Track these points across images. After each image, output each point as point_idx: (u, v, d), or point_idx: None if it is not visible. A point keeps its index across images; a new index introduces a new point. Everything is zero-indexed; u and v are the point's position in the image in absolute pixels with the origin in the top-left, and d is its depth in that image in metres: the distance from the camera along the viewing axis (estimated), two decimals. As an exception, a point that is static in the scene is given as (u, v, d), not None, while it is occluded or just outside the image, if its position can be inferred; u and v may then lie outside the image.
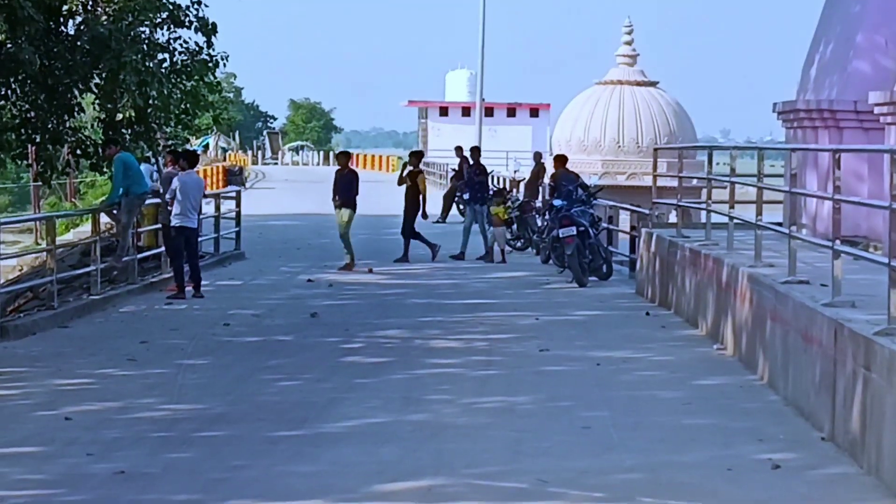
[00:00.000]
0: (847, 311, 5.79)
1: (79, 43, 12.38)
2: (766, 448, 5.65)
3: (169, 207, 11.94)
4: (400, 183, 16.06)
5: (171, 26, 13.30)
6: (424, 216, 15.98)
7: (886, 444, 4.79)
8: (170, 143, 16.48)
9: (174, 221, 11.84)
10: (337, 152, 20.02)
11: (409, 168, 16.04)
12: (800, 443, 5.81)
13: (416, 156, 17.06)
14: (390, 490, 4.89)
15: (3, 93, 12.61)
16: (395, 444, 5.68)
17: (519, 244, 16.87)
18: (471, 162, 17.42)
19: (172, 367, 8.20)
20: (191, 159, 12.93)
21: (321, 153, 61.26)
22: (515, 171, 25.70)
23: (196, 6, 13.38)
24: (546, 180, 17.30)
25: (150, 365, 8.34)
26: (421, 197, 15.48)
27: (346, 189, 14.44)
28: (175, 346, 9.16)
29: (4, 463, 5.28)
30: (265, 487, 4.93)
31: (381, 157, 57.51)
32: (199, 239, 13.41)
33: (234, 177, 21.51)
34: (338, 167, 15.45)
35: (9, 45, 11.21)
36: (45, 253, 12.45)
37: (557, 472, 5.21)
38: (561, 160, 15.56)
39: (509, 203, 16.09)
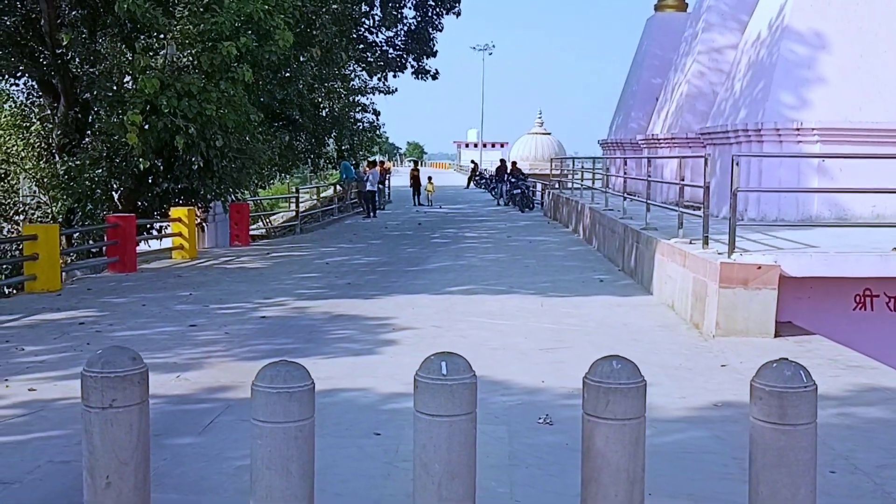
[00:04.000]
0: (629, 221, 14.13)
1: (327, 118, 25.26)
2: (597, 273, 13.44)
3: (367, 183, 26.10)
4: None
5: (363, 112, 29.09)
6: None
7: (644, 271, 12.82)
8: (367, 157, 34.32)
9: (368, 188, 26.25)
10: (414, 161, 47.02)
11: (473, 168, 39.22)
12: (611, 272, 13.94)
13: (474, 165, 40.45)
14: (453, 290, 11.80)
15: (298, 139, 25.61)
16: (453, 273, 13.67)
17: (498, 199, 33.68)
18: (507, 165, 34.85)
19: (365, 243, 17.99)
20: (373, 164, 28.55)
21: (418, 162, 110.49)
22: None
23: (372, 104, 31.61)
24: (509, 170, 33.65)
25: (357, 242, 18.33)
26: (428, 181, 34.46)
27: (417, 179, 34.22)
28: (366, 235, 19.80)
29: (305, 279, 13.42)
30: (405, 288, 11.80)
31: (442, 163, 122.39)
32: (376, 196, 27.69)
33: (386, 172, 37.32)
34: (412, 168, 33.95)
35: (299, 120, 23.06)
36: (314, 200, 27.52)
37: (515, 284, 12.17)
38: (514, 164, 34.41)
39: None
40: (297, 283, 12.46)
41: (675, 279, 10.04)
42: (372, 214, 26.74)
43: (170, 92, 16.17)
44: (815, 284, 9.24)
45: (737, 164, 8.48)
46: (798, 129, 13.27)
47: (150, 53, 16.64)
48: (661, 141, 19.92)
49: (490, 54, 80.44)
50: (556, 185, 27.41)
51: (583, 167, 22.60)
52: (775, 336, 8.41)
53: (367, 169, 29.07)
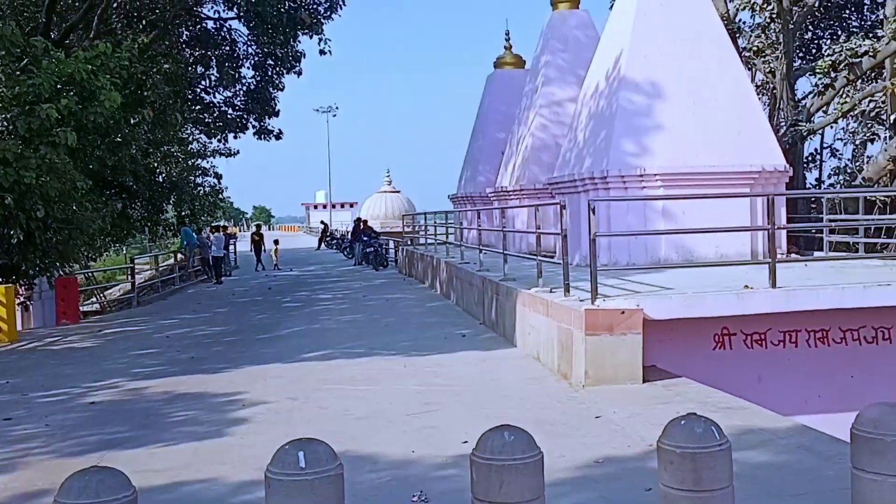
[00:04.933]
0: (486, 273, 13.86)
1: (164, 183, 23.95)
2: (459, 328, 12.87)
3: (212, 248, 25.68)
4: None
5: (203, 176, 28.31)
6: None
7: (506, 323, 12.09)
8: (211, 223, 32.49)
9: (213, 253, 25.70)
10: (257, 225, 42.77)
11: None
12: (472, 325, 13.46)
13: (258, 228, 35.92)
14: (308, 356, 10.96)
15: (133, 206, 24.12)
16: (308, 338, 12.82)
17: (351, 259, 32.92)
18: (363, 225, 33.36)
19: (210, 312, 16.70)
20: (218, 229, 27.37)
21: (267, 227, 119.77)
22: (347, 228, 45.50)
23: (213, 167, 31.42)
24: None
25: (201, 311, 17.05)
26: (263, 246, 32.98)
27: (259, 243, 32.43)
28: (211, 304, 18.55)
29: (142, 356, 11.94)
30: (255, 358, 10.94)
31: (292, 226, 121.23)
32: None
33: (231, 237, 35.82)
34: (254, 232, 32.25)
35: (133, 186, 21.74)
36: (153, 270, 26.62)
37: (375, 345, 11.45)
38: (365, 222, 33.24)
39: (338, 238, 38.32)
40: (132, 362, 11.29)
41: (539, 329, 9.76)
42: (218, 281, 25.76)
43: (-19, 159, 14.63)
44: (676, 326, 9.20)
45: (593, 209, 8.34)
46: (641, 176, 13.55)
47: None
48: (511, 193, 20.06)
49: (334, 116, 79.87)
50: (409, 242, 27.15)
51: (435, 222, 22.40)
52: (644, 381, 8.22)
53: (211, 234, 27.80)
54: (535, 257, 11.42)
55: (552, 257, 13.49)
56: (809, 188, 21.83)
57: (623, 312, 8.16)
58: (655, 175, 13.49)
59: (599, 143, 14.46)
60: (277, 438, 7.18)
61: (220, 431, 7.17)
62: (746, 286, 9.25)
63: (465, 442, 6.43)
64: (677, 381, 8.32)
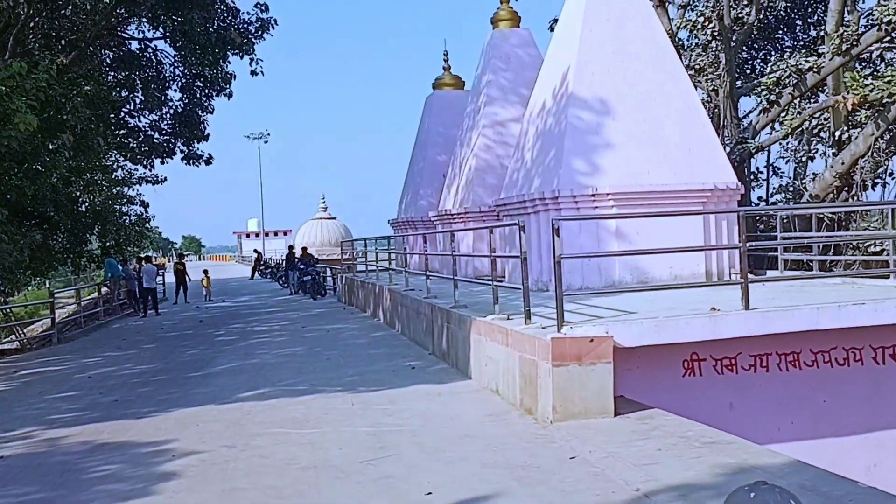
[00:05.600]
0: (434, 300, 13.13)
1: (88, 213, 22.79)
2: (408, 360, 11.98)
3: (143, 280, 24.50)
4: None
5: (129, 204, 26.87)
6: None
7: (459, 354, 10.79)
8: (138, 254, 30.61)
9: (145, 285, 24.30)
10: (179, 254, 42.26)
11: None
12: (421, 356, 12.40)
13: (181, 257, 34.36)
14: (245, 395, 9.86)
15: (55, 237, 22.85)
16: (244, 375, 11.72)
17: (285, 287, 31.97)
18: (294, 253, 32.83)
19: (137, 349, 15.63)
20: (148, 260, 26.49)
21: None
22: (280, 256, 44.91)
23: (140, 195, 29.89)
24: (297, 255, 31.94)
25: (128, 348, 15.95)
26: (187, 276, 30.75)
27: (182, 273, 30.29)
28: (138, 340, 17.41)
29: (61, 400, 10.76)
30: (186, 400, 9.78)
31: (224, 256, 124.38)
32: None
33: (160, 268, 34.72)
34: (177, 262, 31.07)
35: (54, 216, 20.71)
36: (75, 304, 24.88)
37: (318, 381, 10.47)
38: (304, 249, 31.87)
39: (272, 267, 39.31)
40: (49, 407, 10.17)
41: (498, 360, 9.06)
42: (154, 312, 24.89)
43: None
44: (644, 353, 8.63)
45: (557, 230, 7.72)
46: (594, 195, 13.07)
47: None
48: (455, 216, 19.42)
49: (266, 142, 78.05)
50: (348, 269, 26.24)
51: (376, 248, 21.52)
52: (615, 414, 7.59)
53: (140, 265, 26.41)
54: (488, 282, 10.77)
55: (501, 281, 12.83)
56: (756, 206, 21.78)
57: (592, 340, 7.53)
58: (608, 194, 13.02)
59: (549, 161, 13.95)
60: (213, 497, 6.36)
61: (145, 489, 6.25)
62: (714, 308, 8.74)
63: (430, 493, 5.69)
64: (651, 413, 7.71)
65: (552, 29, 22.52)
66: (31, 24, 18.20)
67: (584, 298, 10.76)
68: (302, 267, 28.84)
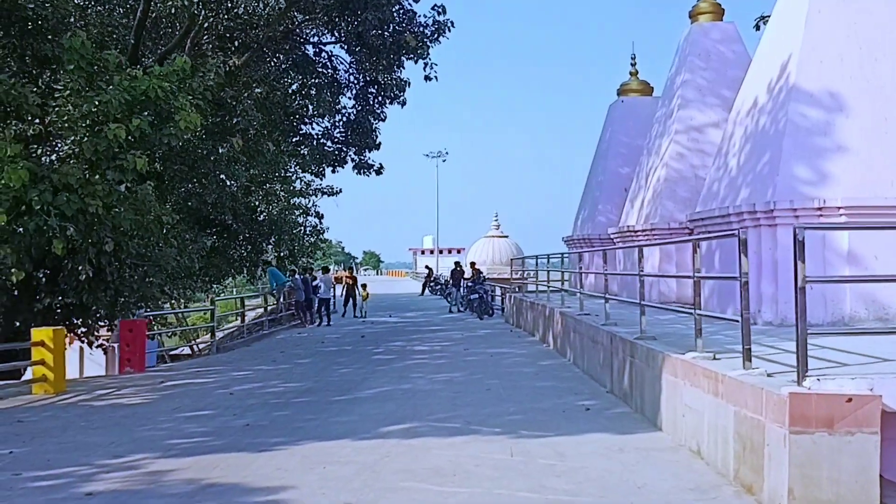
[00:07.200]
0: (614, 328, 11.07)
1: (265, 223, 24.71)
2: (581, 398, 10.05)
3: (320, 290, 25.31)
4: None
5: (305, 216, 29.94)
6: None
7: (646, 397, 8.75)
8: (306, 265, 32.75)
9: (321, 295, 25.17)
10: (350, 267, 48.07)
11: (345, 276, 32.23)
12: (597, 394, 10.43)
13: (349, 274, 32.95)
14: (388, 430, 8.32)
15: (234, 244, 24.59)
16: (393, 403, 10.16)
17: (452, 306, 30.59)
18: (463, 269, 31.84)
19: (291, 363, 14.82)
20: (326, 270, 28.02)
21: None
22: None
23: (315, 206, 32.50)
24: (468, 273, 30.69)
25: (282, 362, 15.18)
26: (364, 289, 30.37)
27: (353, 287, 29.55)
28: (295, 354, 16.74)
29: (190, 419, 9.51)
30: (321, 431, 8.36)
31: (399, 272, 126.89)
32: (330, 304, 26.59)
33: (338, 280, 34.23)
34: (347, 275, 31.00)
35: (233, 225, 22.58)
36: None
37: (474, 418, 8.85)
38: (472, 264, 30.63)
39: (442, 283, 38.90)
40: (174, 428, 9.08)
41: (701, 412, 6.97)
42: (327, 323, 24.95)
43: (43, 185, 13.10)
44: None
45: (801, 241, 5.58)
46: (820, 209, 10.61)
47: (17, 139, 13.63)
48: (639, 233, 17.20)
49: (444, 161, 78.51)
50: (518, 289, 24.51)
51: (548, 267, 19.60)
52: (880, 506, 5.33)
53: (318, 274, 26.68)
54: (682, 309, 8.68)
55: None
56: None
57: (850, 400, 5.32)
58: (839, 208, 10.52)
59: (761, 168, 11.58)
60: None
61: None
62: None
63: None
64: (934, 509, 5.37)
65: (758, 27, 19.83)
66: (206, 25, 17.94)
67: (813, 338, 8.37)
68: (470, 285, 27.40)
